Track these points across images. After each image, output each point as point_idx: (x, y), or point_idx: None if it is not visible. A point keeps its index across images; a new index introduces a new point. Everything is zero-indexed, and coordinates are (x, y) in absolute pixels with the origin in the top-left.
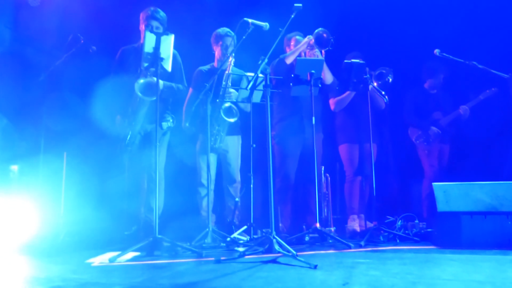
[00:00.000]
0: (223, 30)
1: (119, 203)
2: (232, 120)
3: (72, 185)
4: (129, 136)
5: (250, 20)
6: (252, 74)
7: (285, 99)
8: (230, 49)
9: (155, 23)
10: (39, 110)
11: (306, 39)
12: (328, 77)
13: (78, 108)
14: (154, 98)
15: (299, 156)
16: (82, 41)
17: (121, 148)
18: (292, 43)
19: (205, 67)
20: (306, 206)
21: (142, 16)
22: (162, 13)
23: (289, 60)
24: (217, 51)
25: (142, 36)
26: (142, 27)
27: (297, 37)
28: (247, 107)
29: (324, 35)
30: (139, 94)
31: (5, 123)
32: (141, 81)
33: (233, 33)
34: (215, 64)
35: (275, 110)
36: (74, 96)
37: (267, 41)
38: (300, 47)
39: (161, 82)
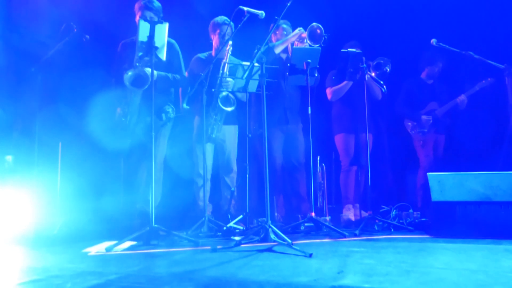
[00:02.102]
0: (221, 18)
1: (116, 193)
2: (229, 109)
3: (67, 174)
4: (127, 122)
5: (245, 8)
6: (248, 63)
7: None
8: (227, 38)
9: (149, 14)
10: (33, 100)
11: (297, 31)
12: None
13: (72, 99)
14: (145, 88)
15: (283, 147)
16: (75, 30)
17: (121, 138)
18: (278, 32)
19: (203, 55)
20: (297, 195)
21: (136, 7)
22: (156, 3)
23: (277, 50)
24: (215, 40)
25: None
26: (137, 18)
27: (284, 25)
28: (244, 97)
29: (318, 30)
30: (129, 85)
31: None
32: (130, 73)
33: (230, 21)
34: (213, 53)
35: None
36: (68, 85)
37: (263, 30)
38: (290, 38)
39: (154, 72)
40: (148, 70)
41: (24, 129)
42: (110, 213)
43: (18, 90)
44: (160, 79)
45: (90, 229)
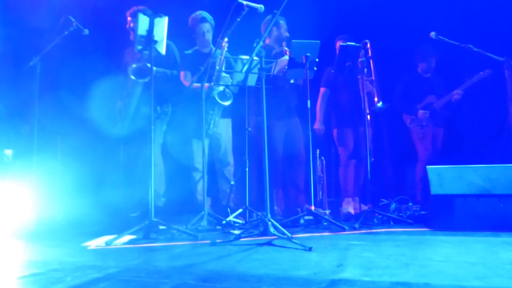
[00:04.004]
0: (198, 15)
1: (116, 184)
2: (227, 103)
3: (67, 169)
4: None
5: (244, 2)
6: (247, 57)
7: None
8: (208, 35)
9: None
10: (32, 92)
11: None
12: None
13: (72, 90)
14: (147, 80)
15: (285, 140)
16: (74, 24)
17: (119, 129)
18: (273, 28)
19: (188, 51)
20: (296, 186)
21: (128, 15)
22: (148, 11)
23: (273, 72)
24: (198, 34)
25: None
26: (131, 25)
27: (281, 21)
28: (236, 89)
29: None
30: (132, 77)
31: None
32: (134, 65)
33: (209, 17)
34: (198, 47)
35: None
36: (67, 76)
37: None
38: (284, 61)
39: (154, 68)
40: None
41: (23, 121)
42: (111, 205)
43: (16, 82)
44: (160, 74)
45: (90, 222)
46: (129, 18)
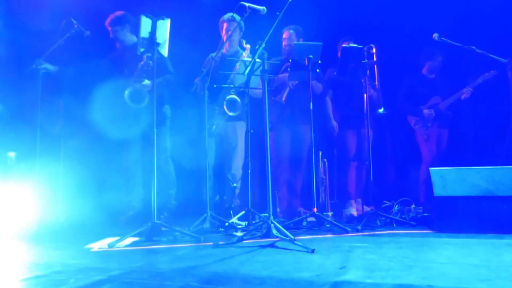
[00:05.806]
0: (226, 16)
1: (118, 187)
2: (232, 113)
3: (70, 171)
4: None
5: (247, 4)
6: (249, 59)
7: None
8: (234, 34)
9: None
10: (35, 93)
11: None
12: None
13: (74, 92)
14: (144, 103)
15: (290, 142)
16: (75, 26)
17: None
18: (284, 37)
19: (213, 54)
20: (294, 189)
21: None
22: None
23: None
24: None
25: None
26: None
27: (290, 31)
28: (258, 94)
29: None
30: (130, 103)
31: (1, 109)
32: (126, 92)
33: (238, 17)
34: (224, 50)
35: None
36: (70, 78)
37: (265, 26)
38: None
39: (149, 82)
40: (145, 82)
41: (26, 123)
42: (113, 208)
43: (19, 84)
44: (158, 84)
45: (92, 224)
46: None
